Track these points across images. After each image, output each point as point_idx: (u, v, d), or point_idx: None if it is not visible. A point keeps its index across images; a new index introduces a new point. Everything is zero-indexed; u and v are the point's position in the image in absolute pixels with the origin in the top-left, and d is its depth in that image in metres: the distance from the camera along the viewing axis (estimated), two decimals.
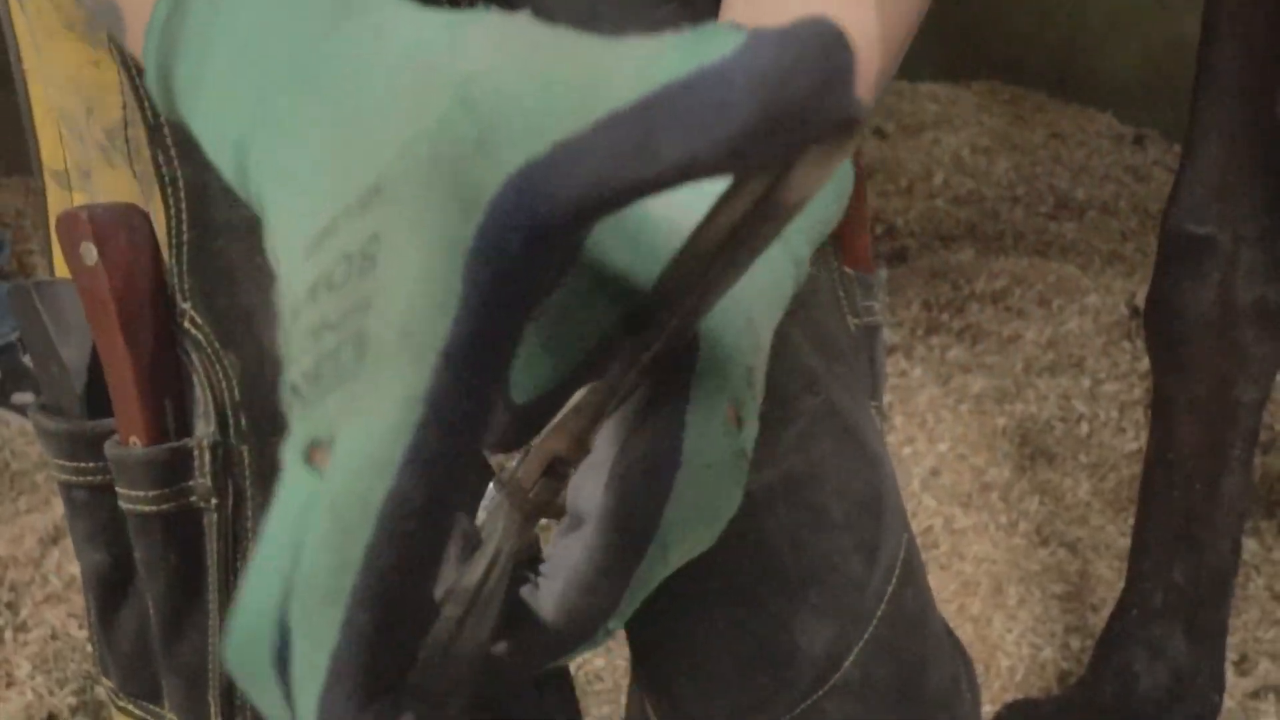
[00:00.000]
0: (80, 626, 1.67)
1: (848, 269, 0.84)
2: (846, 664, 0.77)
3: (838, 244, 0.84)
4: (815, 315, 0.80)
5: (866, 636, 0.78)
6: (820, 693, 0.77)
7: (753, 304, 0.53)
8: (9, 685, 1.57)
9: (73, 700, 1.54)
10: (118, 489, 0.72)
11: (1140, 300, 2.39)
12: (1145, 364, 2.24)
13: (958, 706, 0.83)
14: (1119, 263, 2.66)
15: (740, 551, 0.76)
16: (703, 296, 0.46)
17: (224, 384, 0.69)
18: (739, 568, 0.77)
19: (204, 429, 0.70)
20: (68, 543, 1.83)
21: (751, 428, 0.52)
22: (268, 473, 0.69)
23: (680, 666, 0.79)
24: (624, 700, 1.60)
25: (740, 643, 0.77)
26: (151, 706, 0.79)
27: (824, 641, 0.77)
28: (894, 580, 0.80)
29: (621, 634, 1.75)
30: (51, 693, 1.55)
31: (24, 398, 2.19)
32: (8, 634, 1.66)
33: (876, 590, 0.78)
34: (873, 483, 0.80)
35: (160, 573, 0.73)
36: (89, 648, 1.63)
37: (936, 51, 3.59)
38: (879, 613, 0.78)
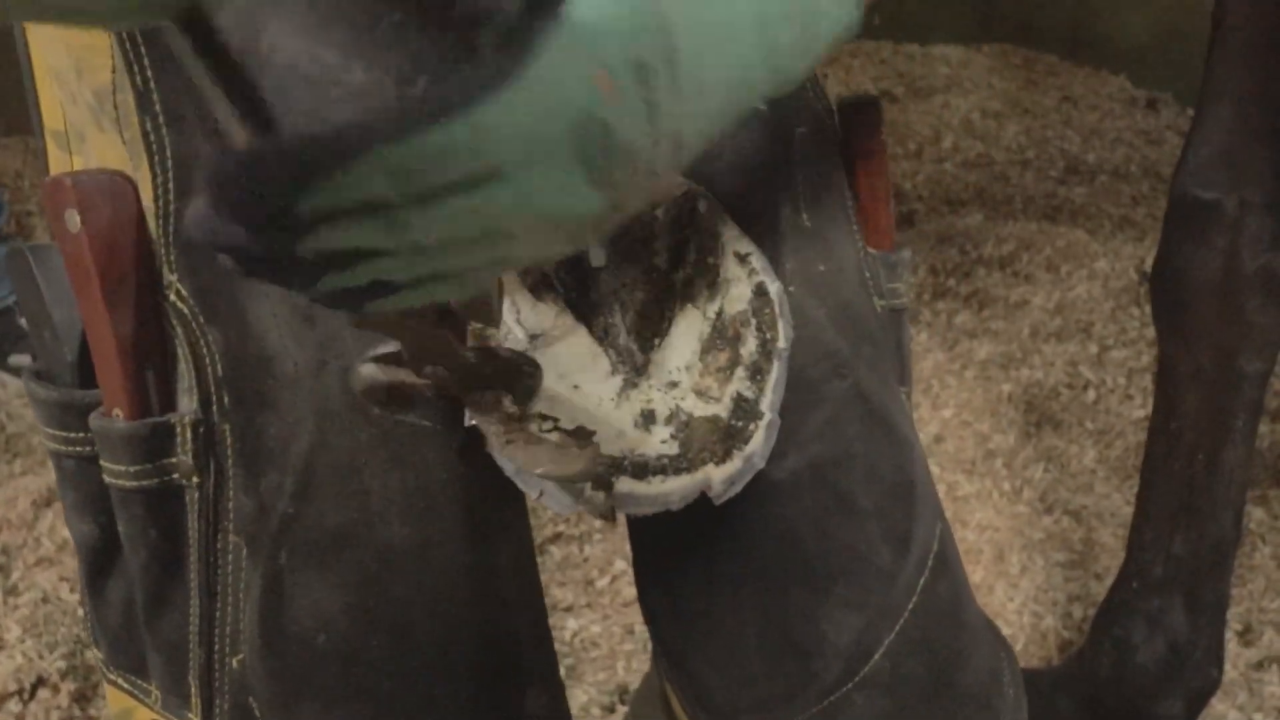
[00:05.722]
0: (72, 590, 1.66)
1: (872, 249, 0.82)
2: (876, 656, 0.76)
3: (862, 223, 0.82)
4: (842, 296, 0.78)
5: (897, 629, 0.76)
6: (849, 685, 0.76)
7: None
8: None
9: (62, 664, 1.53)
10: (101, 462, 0.71)
11: (1150, 266, 2.37)
12: (1154, 330, 2.22)
13: (998, 702, 0.81)
14: (1129, 228, 2.63)
15: (766, 540, 0.75)
16: None
17: (207, 360, 0.68)
18: (765, 557, 0.75)
19: (188, 405, 0.69)
20: (61, 506, 1.82)
21: (628, 123, 0.49)
22: (249, 452, 0.68)
23: (707, 656, 0.78)
24: (620, 667, 1.58)
25: (767, 633, 0.76)
26: (138, 680, 0.78)
27: (852, 633, 0.75)
28: (927, 571, 0.78)
29: (622, 603, 1.73)
30: (41, 656, 1.54)
31: (21, 359, 2.18)
32: None
33: (908, 581, 0.76)
34: (904, 469, 0.78)
35: (141, 548, 0.72)
36: (80, 612, 1.62)
37: (948, 14, 3.55)
38: (910, 604, 0.76)
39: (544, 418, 0.65)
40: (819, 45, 0.58)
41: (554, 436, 0.64)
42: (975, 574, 1.75)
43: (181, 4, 0.45)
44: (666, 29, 0.49)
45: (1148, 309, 2.29)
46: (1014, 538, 1.81)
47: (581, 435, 0.65)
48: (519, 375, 0.65)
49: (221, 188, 0.43)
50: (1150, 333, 2.23)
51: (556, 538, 1.81)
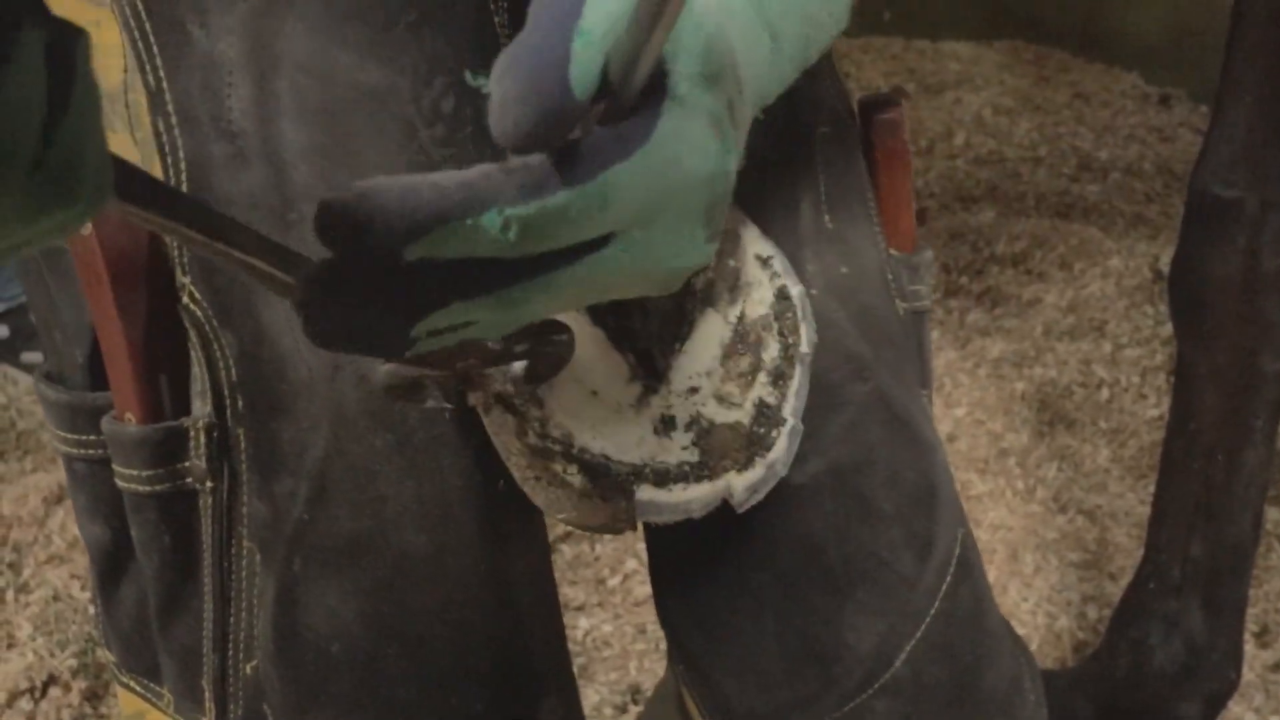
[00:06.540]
0: (83, 588, 1.66)
1: (893, 251, 0.81)
2: (897, 663, 0.75)
3: (883, 224, 0.81)
4: (862, 299, 0.77)
5: (919, 635, 0.75)
6: (869, 692, 0.75)
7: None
8: (10, 646, 1.57)
9: (73, 662, 1.53)
10: (114, 466, 0.71)
11: (1164, 264, 2.36)
12: (1168, 329, 2.21)
13: (1019, 709, 0.80)
14: (1142, 225, 2.61)
15: (786, 545, 0.74)
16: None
17: (221, 364, 0.67)
18: (785, 562, 0.74)
19: (201, 409, 0.68)
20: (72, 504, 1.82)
21: (734, 164, 0.52)
22: (264, 457, 0.67)
23: (725, 662, 0.77)
24: (632, 666, 1.58)
25: (786, 638, 0.75)
26: (151, 684, 0.77)
27: (873, 639, 0.74)
28: (948, 576, 0.77)
29: (633, 603, 1.73)
30: (52, 654, 1.54)
31: (33, 357, 2.18)
32: (9, 595, 1.65)
33: (929, 587, 0.75)
34: (926, 473, 0.76)
35: (155, 552, 0.71)
36: (90, 610, 1.62)
37: (960, 10, 3.53)
38: (932, 610, 0.75)
39: (569, 458, 0.64)
40: (825, 35, 0.62)
41: (577, 482, 0.63)
42: (989, 574, 1.74)
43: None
44: (735, 60, 0.51)
45: (1162, 307, 2.28)
46: (1027, 537, 1.80)
47: (605, 486, 0.64)
48: (547, 343, 0.63)
49: (333, 216, 0.43)
50: (1164, 331, 2.21)
51: (567, 536, 1.81)
